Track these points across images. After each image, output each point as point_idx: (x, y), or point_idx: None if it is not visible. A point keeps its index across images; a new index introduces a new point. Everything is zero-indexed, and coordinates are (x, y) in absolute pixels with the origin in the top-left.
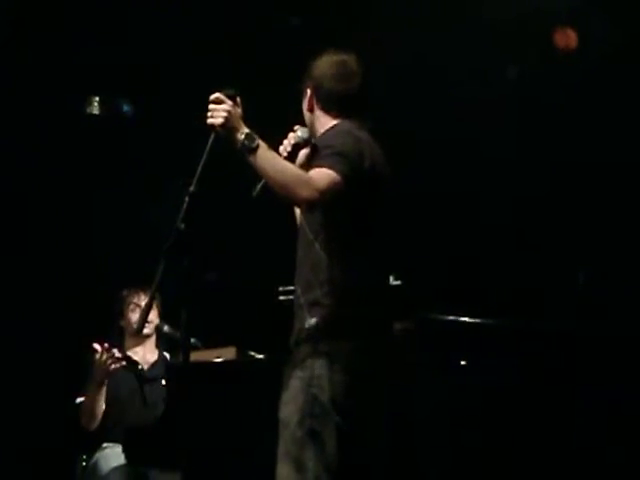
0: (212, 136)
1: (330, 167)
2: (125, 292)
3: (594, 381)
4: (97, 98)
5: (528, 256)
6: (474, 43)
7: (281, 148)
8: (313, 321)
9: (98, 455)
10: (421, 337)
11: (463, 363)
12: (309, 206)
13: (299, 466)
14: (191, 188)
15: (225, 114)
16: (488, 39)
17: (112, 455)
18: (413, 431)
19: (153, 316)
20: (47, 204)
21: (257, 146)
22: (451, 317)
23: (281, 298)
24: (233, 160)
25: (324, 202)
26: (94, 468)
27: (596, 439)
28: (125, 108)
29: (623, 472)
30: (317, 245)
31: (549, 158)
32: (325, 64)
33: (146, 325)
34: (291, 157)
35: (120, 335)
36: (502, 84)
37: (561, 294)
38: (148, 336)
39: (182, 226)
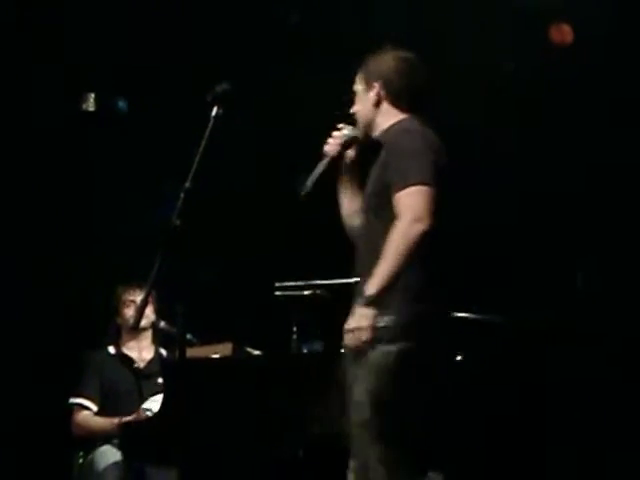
0: (209, 126)
1: (415, 183)
2: (120, 289)
3: (592, 377)
4: (92, 95)
5: (527, 255)
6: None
7: (327, 148)
8: (387, 320)
9: (95, 452)
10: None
11: (459, 358)
12: (427, 232)
13: (387, 467)
14: (186, 184)
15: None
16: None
17: (109, 452)
18: None
19: (149, 311)
20: (41, 200)
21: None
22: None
23: (277, 294)
24: (231, 156)
25: (431, 219)
26: (91, 465)
27: (594, 434)
28: (120, 105)
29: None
30: (384, 243)
31: (550, 157)
32: (392, 60)
33: (142, 320)
34: (340, 156)
35: (117, 332)
36: (499, 79)
37: (559, 294)
38: (145, 330)
39: (177, 222)
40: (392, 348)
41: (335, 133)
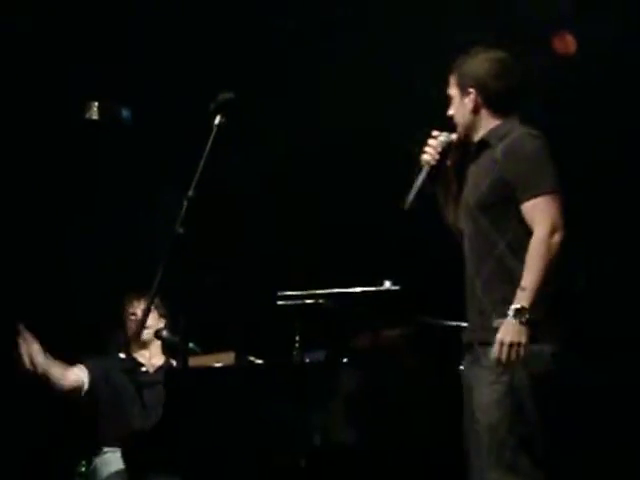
0: (212, 134)
1: (548, 192)
2: (126, 299)
3: (593, 384)
4: (96, 103)
5: None
6: None
7: (427, 157)
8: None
9: (98, 460)
10: (420, 342)
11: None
12: (563, 237)
13: (515, 472)
14: (189, 192)
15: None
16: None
17: (112, 460)
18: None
19: (153, 321)
20: (46, 208)
21: (524, 309)
22: (451, 322)
23: (280, 303)
24: (233, 163)
25: (564, 225)
26: (94, 473)
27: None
28: (124, 114)
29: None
30: (501, 244)
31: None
32: (486, 63)
33: (145, 332)
34: (440, 164)
35: (125, 340)
36: None
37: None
38: (150, 341)
39: (181, 230)
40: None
41: (431, 141)
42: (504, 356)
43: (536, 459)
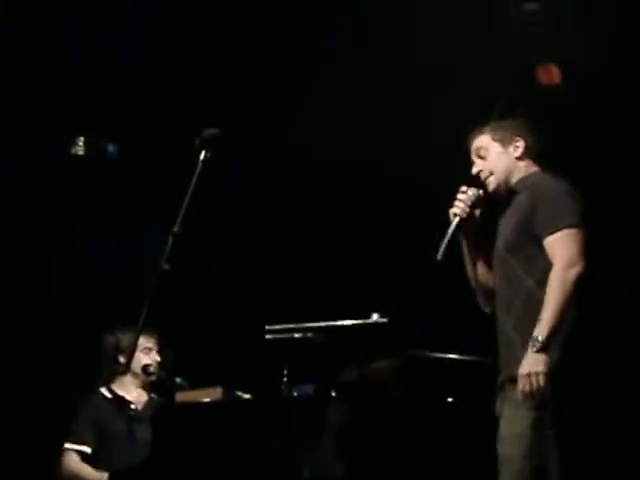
0: (197, 171)
1: (566, 226)
2: (118, 334)
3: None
4: (82, 139)
5: None
6: None
7: (456, 210)
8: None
9: None
10: (409, 374)
11: (450, 400)
12: (582, 273)
13: None
14: (175, 229)
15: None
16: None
17: None
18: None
19: (155, 357)
20: (30, 243)
21: (544, 341)
22: (440, 354)
23: (268, 337)
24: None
25: (584, 261)
26: None
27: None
28: (110, 149)
29: None
30: (529, 281)
31: None
32: (525, 123)
33: (150, 368)
34: (469, 217)
35: (110, 375)
36: None
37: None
38: (138, 375)
39: (166, 266)
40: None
41: (461, 195)
42: (526, 387)
43: None
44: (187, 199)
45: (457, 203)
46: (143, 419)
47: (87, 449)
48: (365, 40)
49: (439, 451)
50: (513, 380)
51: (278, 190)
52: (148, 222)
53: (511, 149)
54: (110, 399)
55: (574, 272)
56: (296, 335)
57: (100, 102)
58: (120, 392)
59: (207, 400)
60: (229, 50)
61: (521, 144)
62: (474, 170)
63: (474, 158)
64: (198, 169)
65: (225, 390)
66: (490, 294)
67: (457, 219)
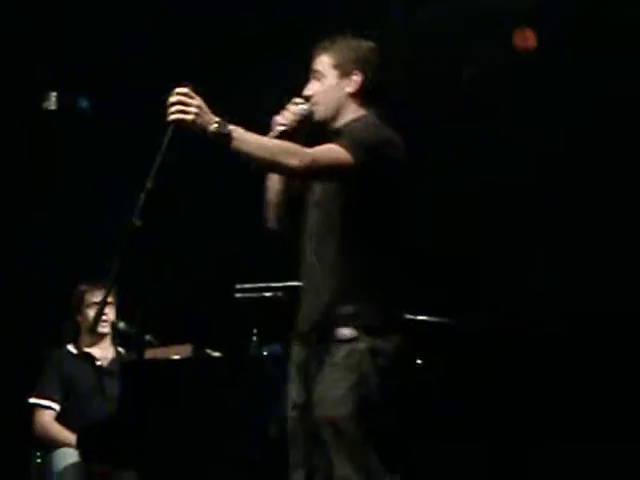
0: (170, 131)
1: (344, 147)
2: (83, 288)
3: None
4: (54, 93)
5: (504, 260)
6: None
7: (280, 119)
8: (345, 310)
9: (53, 452)
10: None
11: (419, 362)
12: (305, 176)
13: (362, 466)
14: (147, 184)
15: (196, 109)
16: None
17: (67, 452)
18: None
19: (110, 314)
20: (2, 197)
21: (229, 131)
22: (422, 317)
23: (238, 295)
24: (189, 152)
25: (320, 173)
26: (49, 465)
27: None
28: (83, 103)
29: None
30: (349, 234)
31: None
32: (370, 52)
33: (103, 324)
34: (293, 132)
35: (76, 331)
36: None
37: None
38: (105, 335)
39: (138, 222)
40: (364, 346)
41: (291, 106)
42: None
43: (387, 456)
44: (160, 154)
45: (284, 112)
46: (112, 375)
47: (54, 405)
48: None
49: (408, 414)
50: (332, 340)
51: None
52: (119, 178)
53: (346, 82)
54: (76, 354)
55: (298, 157)
56: (266, 294)
57: (74, 56)
58: (85, 348)
59: (176, 357)
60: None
61: (358, 79)
62: (306, 91)
63: (311, 76)
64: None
65: (195, 348)
66: (282, 215)
67: (281, 128)
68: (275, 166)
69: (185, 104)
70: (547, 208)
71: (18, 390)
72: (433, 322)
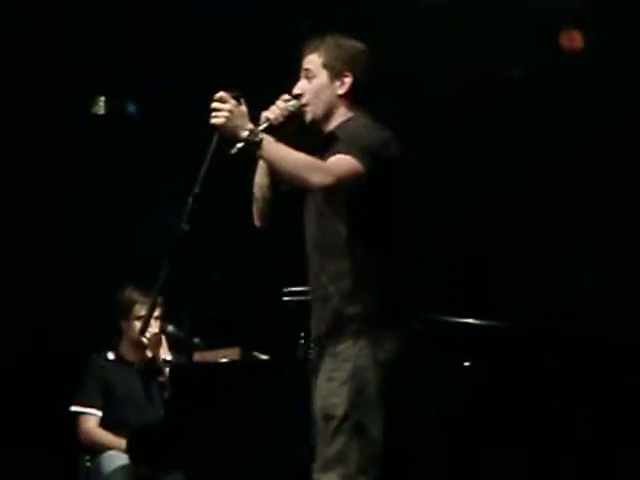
0: (215, 137)
1: (353, 155)
2: (135, 297)
3: (602, 382)
4: (103, 98)
5: (535, 258)
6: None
7: (269, 114)
8: (352, 310)
9: (102, 455)
10: (426, 337)
11: (467, 364)
12: (325, 192)
13: (343, 458)
14: (195, 189)
15: (227, 113)
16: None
17: (115, 455)
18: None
19: (155, 327)
20: (51, 205)
21: (261, 140)
22: (457, 319)
23: (285, 299)
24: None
25: (339, 189)
26: (98, 468)
27: (603, 440)
28: (131, 108)
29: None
30: (344, 234)
31: (554, 159)
32: (361, 54)
33: (147, 334)
34: (281, 128)
35: (119, 335)
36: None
37: (567, 296)
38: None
39: (186, 227)
40: (361, 338)
41: (280, 102)
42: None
43: (370, 451)
44: (208, 159)
45: (273, 107)
46: (150, 376)
47: (97, 411)
48: None
49: (457, 414)
50: (331, 335)
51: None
52: (168, 182)
53: (337, 84)
54: (114, 360)
55: (322, 178)
56: None
57: (122, 61)
58: (123, 354)
59: (224, 360)
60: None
61: (348, 80)
62: (296, 90)
63: (301, 75)
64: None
65: (242, 351)
66: (265, 211)
67: (267, 123)
68: (298, 179)
69: (217, 109)
70: (586, 208)
71: (66, 394)
72: (479, 325)
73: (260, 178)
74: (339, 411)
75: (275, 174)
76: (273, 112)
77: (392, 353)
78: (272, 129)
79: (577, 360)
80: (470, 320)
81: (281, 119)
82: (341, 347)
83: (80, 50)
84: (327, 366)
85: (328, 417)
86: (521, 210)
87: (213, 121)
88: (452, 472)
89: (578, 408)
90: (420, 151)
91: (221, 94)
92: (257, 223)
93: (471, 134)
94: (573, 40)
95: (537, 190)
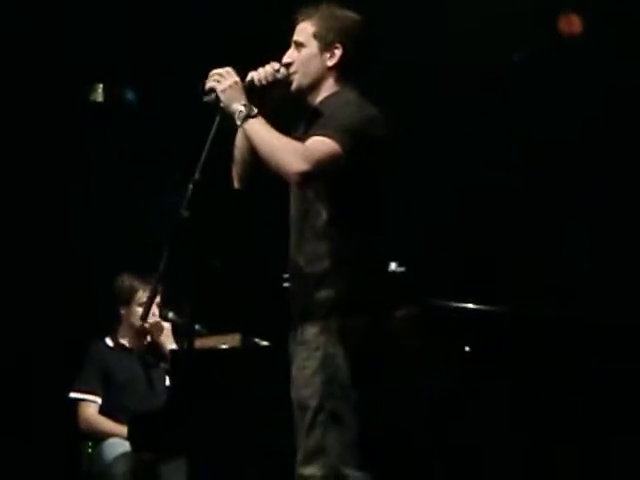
0: (215, 124)
1: (330, 137)
2: (135, 284)
3: (601, 367)
4: (101, 85)
5: (533, 242)
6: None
7: (255, 74)
8: (324, 294)
9: (104, 443)
10: (425, 323)
11: (467, 349)
12: (302, 179)
13: (322, 449)
14: (195, 176)
15: (230, 83)
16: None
17: (117, 442)
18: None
19: (155, 311)
20: (49, 192)
21: (255, 115)
22: (456, 303)
23: (286, 285)
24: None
25: (317, 174)
26: (100, 455)
27: (600, 427)
28: (129, 96)
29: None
30: (324, 216)
31: (553, 143)
32: (355, 26)
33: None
34: (264, 92)
35: (118, 321)
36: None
37: (566, 281)
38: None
39: (186, 214)
40: (332, 324)
41: (267, 66)
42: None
43: (348, 439)
44: (207, 146)
45: (260, 69)
46: (150, 363)
47: (97, 398)
48: None
49: (455, 401)
50: (305, 318)
51: None
52: (167, 169)
53: (327, 55)
54: (112, 347)
55: (299, 166)
56: None
57: (121, 48)
58: (122, 340)
59: (225, 347)
60: None
61: (338, 52)
62: (285, 58)
63: (292, 43)
64: (218, 116)
65: (243, 337)
66: (244, 174)
67: (248, 81)
68: (275, 161)
69: (222, 76)
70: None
71: (67, 381)
72: (484, 310)
73: (240, 141)
74: (313, 402)
75: (256, 155)
76: (259, 73)
77: (361, 338)
78: (254, 89)
79: (577, 345)
80: (470, 305)
81: (264, 82)
82: (311, 332)
83: (78, 37)
84: (300, 354)
85: (303, 408)
86: (520, 194)
87: (212, 84)
88: (451, 458)
89: (578, 393)
90: (418, 134)
91: (229, 68)
92: (236, 185)
93: (469, 118)
94: (572, 24)
95: (536, 175)
